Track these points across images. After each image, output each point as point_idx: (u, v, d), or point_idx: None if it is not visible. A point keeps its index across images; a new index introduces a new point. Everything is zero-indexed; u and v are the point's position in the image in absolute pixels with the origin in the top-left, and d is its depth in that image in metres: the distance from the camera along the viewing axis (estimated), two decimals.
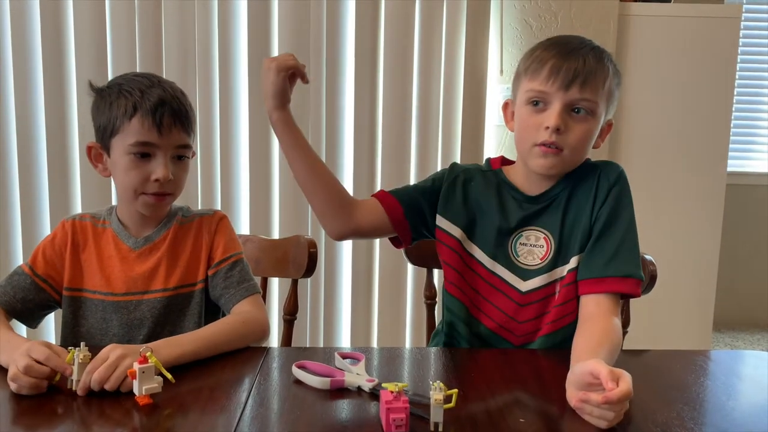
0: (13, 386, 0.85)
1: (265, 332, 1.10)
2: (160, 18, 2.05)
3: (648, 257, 1.28)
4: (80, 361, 0.85)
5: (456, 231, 1.13)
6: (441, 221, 1.14)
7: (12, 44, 2.03)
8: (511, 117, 1.12)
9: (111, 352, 0.86)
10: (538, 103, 1.04)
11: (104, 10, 2.03)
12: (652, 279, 1.26)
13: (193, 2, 2.05)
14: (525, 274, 1.11)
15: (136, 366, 0.82)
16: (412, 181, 2.18)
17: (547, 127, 1.02)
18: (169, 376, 0.85)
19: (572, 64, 1.01)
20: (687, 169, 2.32)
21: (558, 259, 1.09)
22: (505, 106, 1.15)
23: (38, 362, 0.84)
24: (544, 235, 1.10)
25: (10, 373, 0.85)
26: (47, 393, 0.85)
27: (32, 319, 1.11)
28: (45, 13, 2.02)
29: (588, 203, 1.08)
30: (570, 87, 1.01)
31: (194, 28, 2.06)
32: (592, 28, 2.18)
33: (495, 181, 1.14)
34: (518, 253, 1.11)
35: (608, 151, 2.23)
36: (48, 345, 0.87)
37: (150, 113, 1.03)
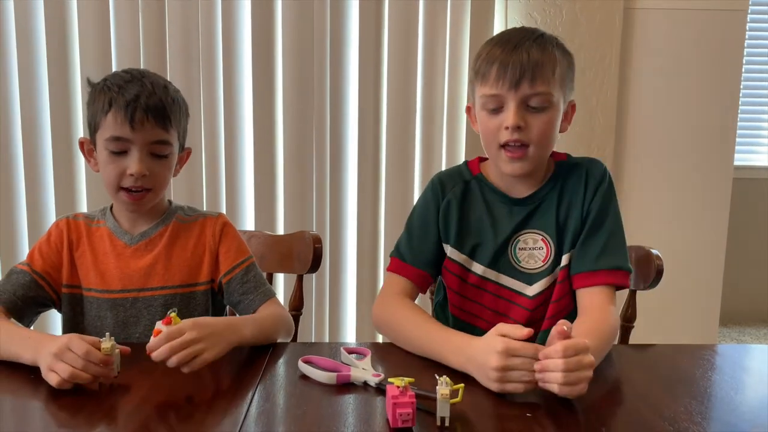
0: (54, 379, 0.84)
1: (293, 329, 1.15)
2: (164, 17, 2.04)
3: (654, 251, 1.27)
4: (108, 352, 0.86)
5: (460, 257, 1.14)
6: (447, 249, 1.15)
7: (17, 43, 2.03)
8: (475, 120, 1.13)
9: (189, 330, 0.87)
10: (494, 106, 1.05)
11: (108, 8, 2.03)
12: (659, 273, 1.26)
13: (197, 1, 2.05)
14: (529, 278, 1.11)
15: (161, 326, 0.86)
16: (417, 181, 2.18)
17: (507, 127, 1.03)
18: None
19: (517, 60, 1.01)
20: (693, 163, 2.31)
21: (558, 259, 1.11)
22: (468, 110, 1.16)
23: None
24: (542, 237, 1.11)
25: (62, 368, 0.83)
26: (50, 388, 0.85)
27: (28, 318, 1.10)
28: (49, 12, 2.02)
29: (578, 201, 1.10)
30: (519, 84, 1.01)
31: (198, 26, 2.06)
32: (597, 22, 2.16)
33: (479, 191, 1.14)
34: (519, 259, 1.12)
35: (614, 145, 2.22)
36: (82, 338, 0.86)
37: (123, 108, 1.02)
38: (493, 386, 0.85)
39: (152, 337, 0.87)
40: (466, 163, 1.19)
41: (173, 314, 0.89)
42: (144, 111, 1.03)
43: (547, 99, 1.03)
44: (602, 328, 0.99)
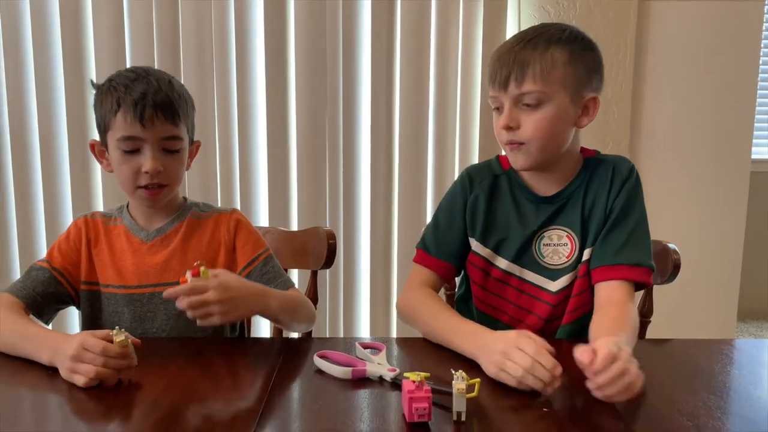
0: (80, 380, 0.85)
1: (314, 316, 1.16)
2: (177, 17, 2.05)
3: (671, 246, 1.26)
4: (123, 344, 0.87)
5: (484, 251, 1.15)
6: (472, 243, 1.16)
7: (33, 44, 2.05)
8: None
9: (213, 289, 0.89)
10: (496, 106, 1.09)
11: (122, 9, 2.05)
12: (676, 268, 1.25)
13: (210, 2, 2.06)
14: (553, 274, 1.12)
15: (189, 276, 0.89)
16: (429, 178, 2.17)
17: (501, 127, 1.06)
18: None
19: (504, 63, 1.05)
20: (710, 156, 2.28)
21: (582, 254, 1.11)
22: None
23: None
24: (566, 234, 1.12)
25: (85, 369, 0.84)
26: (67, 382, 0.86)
27: (47, 314, 1.11)
28: (64, 13, 2.04)
29: (603, 196, 1.10)
30: (507, 85, 1.04)
31: (211, 23, 2.06)
32: (611, 13, 2.14)
33: (508, 186, 1.15)
34: (543, 254, 1.12)
35: (629, 139, 2.20)
36: (95, 334, 0.88)
37: (132, 107, 1.03)
38: (491, 368, 0.87)
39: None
40: (497, 157, 1.19)
41: (203, 268, 0.90)
42: (153, 108, 1.03)
43: (537, 97, 1.03)
44: (629, 322, 0.98)
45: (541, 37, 1.05)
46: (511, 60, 1.04)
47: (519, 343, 0.85)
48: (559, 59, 1.03)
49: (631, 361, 0.80)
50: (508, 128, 1.05)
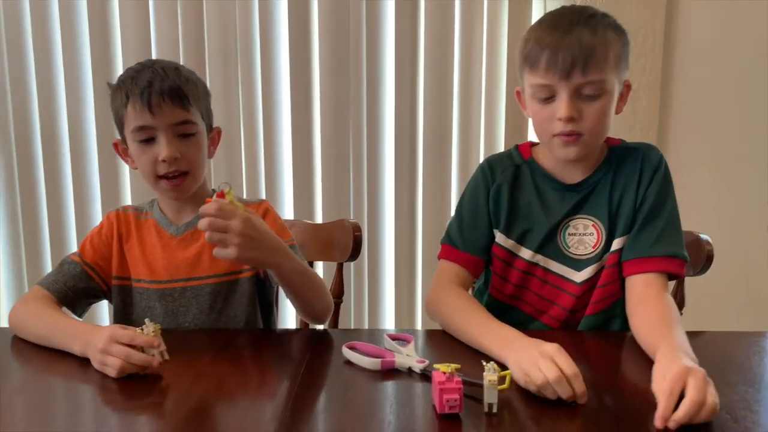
0: (112, 372, 0.85)
1: (332, 306, 1.12)
2: (202, 16, 2.07)
3: (704, 237, 1.24)
4: (154, 335, 0.87)
5: (507, 242, 1.12)
6: (497, 235, 1.13)
7: (62, 44, 2.09)
8: (525, 104, 1.09)
9: (239, 219, 0.88)
10: (545, 96, 1.01)
11: (148, 9, 2.07)
12: (708, 259, 1.23)
13: (234, 2, 2.07)
14: (578, 264, 1.09)
15: (215, 198, 0.88)
16: (454, 169, 2.16)
17: (560, 119, 0.99)
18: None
19: (568, 47, 0.96)
20: (741, 146, 2.23)
21: (608, 244, 1.08)
22: (518, 94, 1.11)
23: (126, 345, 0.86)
24: (592, 223, 1.09)
25: (112, 362, 0.85)
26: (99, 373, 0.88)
27: (80, 308, 1.12)
28: (92, 16, 2.07)
29: (632, 187, 1.07)
30: (571, 74, 0.97)
31: (235, 20, 2.07)
32: (639, 0, 2.10)
33: (530, 175, 1.12)
34: (568, 244, 1.10)
35: (657, 128, 2.16)
36: (124, 327, 0.89)
37: (139, 96, 1.03)
38: (518, 373, 0.81)
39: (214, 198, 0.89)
40: (516, 147, 1.16)
41: (227, 189, 0.89)
42: (159, 94, 1.03)
43: (600, 86, 0.98)
44: (673, 316, 0.96)
45: (597, 20, 0.99)
46: (576, 45, 0.96)
47: (555, 357, 0.79)
48: (615, 44, 0.99)
49: (705, 381, 0.73)
50: (570, 119, 0.98)
